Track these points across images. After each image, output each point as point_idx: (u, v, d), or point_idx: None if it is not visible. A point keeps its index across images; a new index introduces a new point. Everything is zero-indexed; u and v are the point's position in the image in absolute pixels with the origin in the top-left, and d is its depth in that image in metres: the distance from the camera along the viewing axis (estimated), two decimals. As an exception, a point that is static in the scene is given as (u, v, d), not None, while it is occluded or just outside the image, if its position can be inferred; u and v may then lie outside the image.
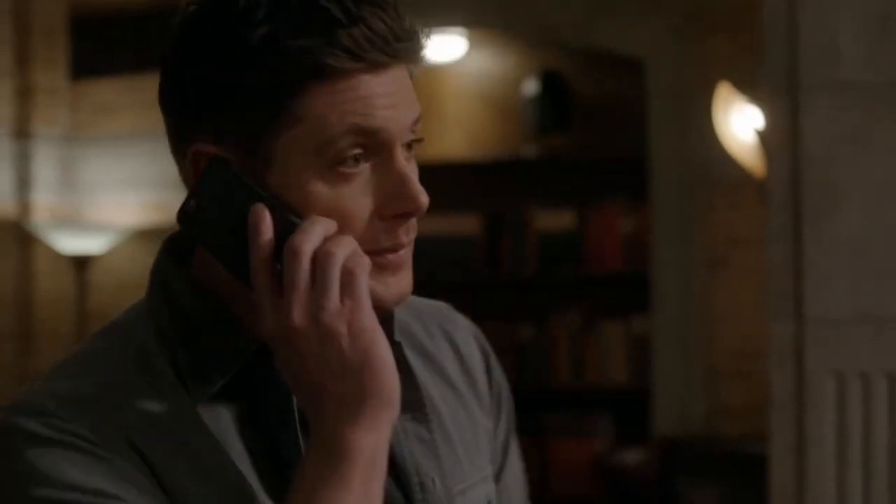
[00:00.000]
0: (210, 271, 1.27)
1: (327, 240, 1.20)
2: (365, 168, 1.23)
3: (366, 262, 1.20)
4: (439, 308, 1.50)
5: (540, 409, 6.09)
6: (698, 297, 5.70)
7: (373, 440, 1.18)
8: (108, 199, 6.65)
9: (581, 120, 6.33)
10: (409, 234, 1.26)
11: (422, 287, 1.37)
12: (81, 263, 6.46)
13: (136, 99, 6.50)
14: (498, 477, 1.47)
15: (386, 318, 1.29)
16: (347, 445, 1.17)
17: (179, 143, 1.26)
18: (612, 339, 6.14)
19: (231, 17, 1.22)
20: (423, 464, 1.33)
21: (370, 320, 1.18)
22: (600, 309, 6.22)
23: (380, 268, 1.24)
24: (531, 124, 6.31)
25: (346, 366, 1.17)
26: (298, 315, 1.17)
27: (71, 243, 6.45)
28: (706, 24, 5.66)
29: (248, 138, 1.22)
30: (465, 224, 6.26)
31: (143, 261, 6.80)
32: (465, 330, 1.49)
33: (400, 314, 1.37)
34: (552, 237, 6.23)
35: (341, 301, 1.18)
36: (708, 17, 5.66)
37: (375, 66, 1.21)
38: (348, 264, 1.19)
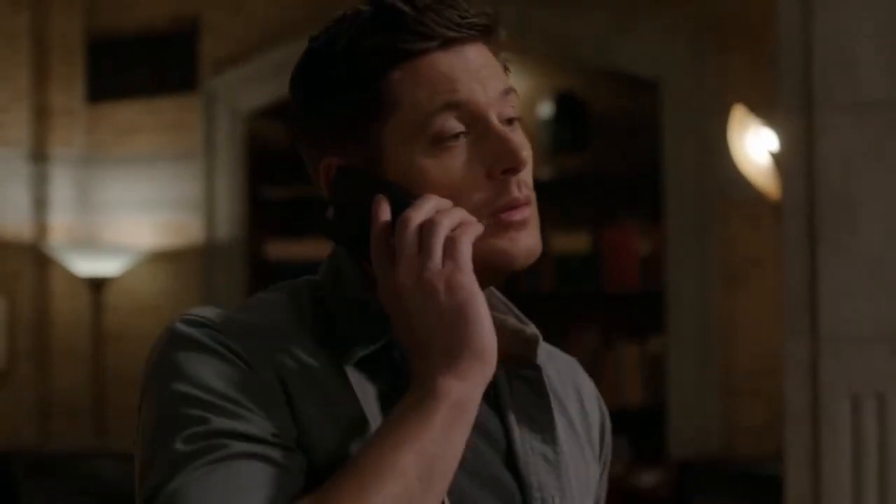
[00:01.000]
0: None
1: (438, 212, 1.32)
2: (466, 140, 1.36)
3: (472, 230, 1.32)
4: (570, 361, 1.61)
5: (556, 430, 6.06)
6: (714, 315, 5.69)
7: (462, 388, 1.28)
8: (124, 220, 6.66)
9: (596, 140, 6.33)
10: (521, 189, 1.37)
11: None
12: (98, 285, 6.48)
13: (153, 120, 6.51)
14: None
15: (532, 341, 1.45)
16: (435, 388, 1.27)
17: (314, 167, 1.42)
18: (628, 359, 6.13)
19: (320, 44, 1.40)
20: (545, 482, 1.42)
21: (468, 279, 1.30)
22: (617, 328, 6.22)
23: (504, 226, 1.36)
24: (546, 145, 6.31)
25: (444, 319, 1.29)
26: (404, 274, 1.30)
27: (87, 265, 6.46)
28: (722, 43, 5.66)
29: (360, 139, 1.37)
30: (481, 244, 6.25)
31: (159, 282, 6.85)
32: (590, 387, 1.60)
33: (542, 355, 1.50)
34: (568, 257, 6.23)
35: (443, 263, 1.30)
36: (724, 37, 5.66)
37: (449, 44, 1.36)
38: (452, 232, 1.31)
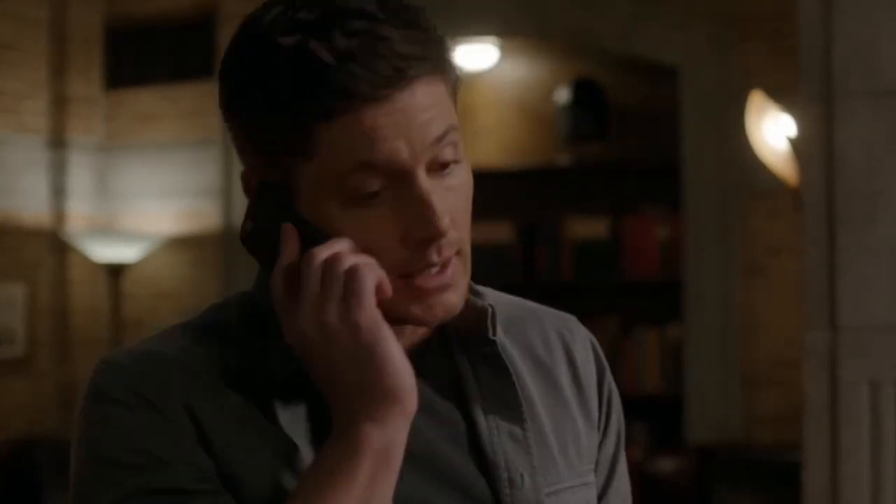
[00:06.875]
0: None
1: (343, 252, 1.24)
2: (387, 196, 1.25)
3: (378, 270, 1.24)
4: (563, 318, 1.54)
5: (574, 417, 6.07)
6: (734, 304, 5.68)
7: (383, 435, 1.23)
8: (142, 207, 6.68)
9: (616, 127, 6.33)
10: (441, 253, 1.27)
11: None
12: (116, 271, 6.49)
13: (171, 108, 6.53)
14: (604, 491, 1.49)
15: (482, 314, 1.35)
16: (357, 438, 1.22)
17: (240, 159, 1.32)
18: (647, 347, 6.13)
19: (255, 54, 1.30)
20: (513, 460, 1.36)
21: (369, 316, 1.22)
22: (635, 316, 6.22)
23: (416, 293, 1.27)
24: (564, 132, 6.31)
25: (352, 362, 1.22)
26: (303, 318, 1.23)
27: (106, 252, 6.48)
28: (742, 31, 5.65)
29: (279, 168, 1.26)
30: (500, 232, 6.27)
31: (177, 269, 6.86)
32: (584, 342, 1.52)
33: (520, 319, 1.46)
34: (587, 245, 6.23)
35: (344, 300, 1.22)
36: (744, 25, 5.65)
37: (375, 98, 1.22)
38: (354, 264, 1.23)
